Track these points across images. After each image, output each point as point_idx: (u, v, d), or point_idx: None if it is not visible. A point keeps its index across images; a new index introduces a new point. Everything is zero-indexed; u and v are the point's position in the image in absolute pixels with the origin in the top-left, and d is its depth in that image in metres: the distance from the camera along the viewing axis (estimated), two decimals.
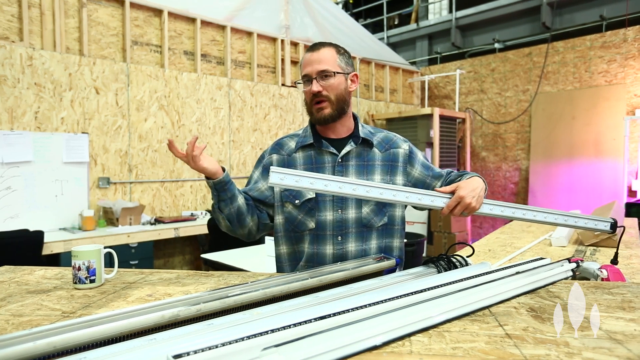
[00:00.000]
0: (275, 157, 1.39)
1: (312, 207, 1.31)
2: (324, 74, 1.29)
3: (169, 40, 4.12)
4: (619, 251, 1.87)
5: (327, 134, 1.38)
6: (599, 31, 5.43)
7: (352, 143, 1.35)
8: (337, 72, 1.30)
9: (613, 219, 1.25)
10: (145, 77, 3.92)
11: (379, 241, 1.35)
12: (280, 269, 1.41)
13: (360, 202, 1.32)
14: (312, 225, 1.31)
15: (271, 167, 1.07)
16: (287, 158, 1.37)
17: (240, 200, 1.29)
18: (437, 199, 1.16)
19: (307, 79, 1.30)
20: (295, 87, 5.11)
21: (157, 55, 4.09)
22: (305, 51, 1.35)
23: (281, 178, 1.04)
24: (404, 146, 1.41)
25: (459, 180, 1.25)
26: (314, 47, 1.32)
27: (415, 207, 1.30)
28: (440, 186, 1.35)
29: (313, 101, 1.31)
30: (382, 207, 1.34)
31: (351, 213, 1.31)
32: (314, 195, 1.31)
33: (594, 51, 5.41)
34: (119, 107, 3.77)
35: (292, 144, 1.39)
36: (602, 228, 1.25)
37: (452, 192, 1.17)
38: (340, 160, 1.33)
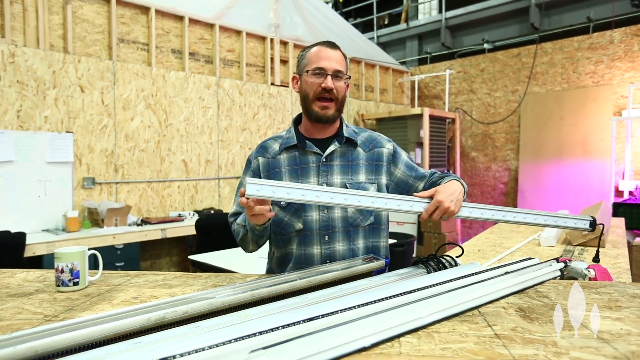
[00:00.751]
0: (261, 159, 1.37)
1: (298, 208, 1.31)
2: (338, 74, 1.29)
3: (156, 38, 4.07)
4: (606, 250, 1.90)
5: (312, 134, 1.37)
6: (586, 32, 5.50)
7: (336, 142, 1.34)
8: (347, 77, 1.32)
9: (592, 217, 1.26)
10: (131, 76, 3.87)
11: (366, 241, 1.35)
12: (270, 272, 1.41)
13: None
14: (299, 226, 1.31)
15: (247, 178, 1.04)
16: (271, 161, 1.36)
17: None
18: (416, 204, 1.15)
19: (320, 73, 1.28)
20: (286, 86, 5.09)
21: (144, 54, 4.04)
22: (318, 45, 1.32)
23: (257, 189, 1.01)
24: (388, 146, 1.41)
25: (440, 183, 1.25)
26: (332, 45, 1.32)
27: None
28: (424, 187, 1.36)
29: (319, 95, 1.28)
30: None
31: (337, 212, 1.31)
32: None
33: (582, 52, 5.48)
34: (104, 105, 3.72)
35: (275, 146, 1.38)
36: (581, 227, 1.25)
37: (431, 197, 1.15)
38: (324, 160, 1.33)
